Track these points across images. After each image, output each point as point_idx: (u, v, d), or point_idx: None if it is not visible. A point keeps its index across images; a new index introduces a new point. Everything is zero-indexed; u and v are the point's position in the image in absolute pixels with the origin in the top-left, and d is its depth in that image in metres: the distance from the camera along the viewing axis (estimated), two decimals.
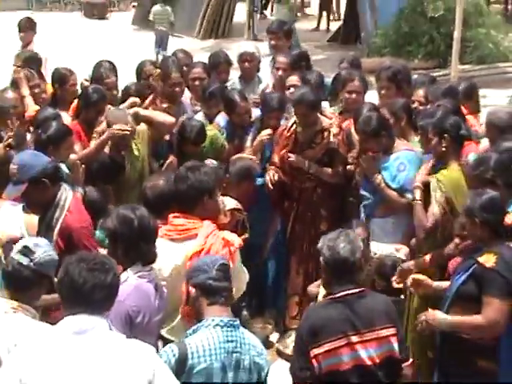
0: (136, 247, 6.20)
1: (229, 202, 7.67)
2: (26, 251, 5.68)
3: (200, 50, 17.82)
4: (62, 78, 10.81)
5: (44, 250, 5.78)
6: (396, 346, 5.80)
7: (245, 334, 5.68)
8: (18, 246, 5.72)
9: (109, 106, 9.79)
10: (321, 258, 6.00)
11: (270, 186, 9.51)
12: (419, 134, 8.82)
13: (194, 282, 5.61)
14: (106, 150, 9.07)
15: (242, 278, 6.97)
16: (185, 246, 6.57)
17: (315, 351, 5.69)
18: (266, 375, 5.73)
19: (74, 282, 4.94)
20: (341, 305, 5.76)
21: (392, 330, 5.80)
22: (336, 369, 5.69)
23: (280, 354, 9.41)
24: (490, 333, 6.56)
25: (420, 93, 10.23)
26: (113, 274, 5.10)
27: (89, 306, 4.95)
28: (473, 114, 10.22)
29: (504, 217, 6.81)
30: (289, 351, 9.22)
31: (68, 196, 7.17)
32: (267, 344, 9.10)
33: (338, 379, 5.71)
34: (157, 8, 25.67)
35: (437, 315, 6.75)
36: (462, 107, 9.66)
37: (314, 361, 5.70)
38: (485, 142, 9.02)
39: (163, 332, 6.46)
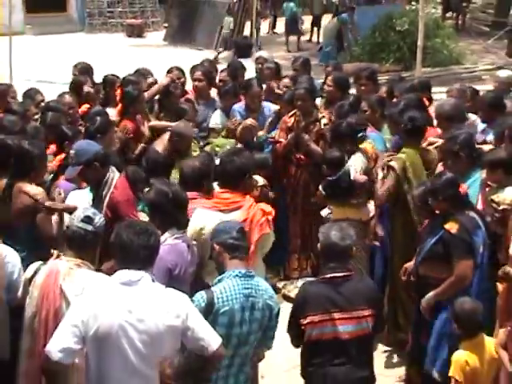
0: (171, 215, 6.20)
1: (259, 180, 7.65)
2: (88, 219, 5.68)
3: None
4: (110, 82, 10.90)
5: (99, 216, 5.81)
6: (370, 325, 5.74)
7: (259, 282, 5.66)
8: (80, 216, 5.71)
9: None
10: (319, 245, 5.93)
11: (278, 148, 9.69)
12: (387, 120, 8.98)
13: (219, 240, 5.62)
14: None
15: (271, 239, 6.97)
16: (232, 216, 6.52)
17: (302, 321, 5.68)
18: (277, 313, 5.71)
19: (123, 244, 5.04)
20: (328, 285, 5.73)
21: (369, 311, 5.72)
22: (320, 338, 5.66)
23: (285, 297, 9.39)
24: (461, 286, 6.65)
25: (383, 89, 10.61)
26: (154, 237, 5.21)
27: (135, 263, 5.03)
28: None
29: (459, 191, 6.81)
30: (292, 295, 9.26)
31: (115, 176, 7.14)
32: (275, 290, 9.10)
33: (321, 346, 5.69)
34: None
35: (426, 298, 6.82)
36: None
37: (303, 328, 5.69)
38: None
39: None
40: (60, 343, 4.86)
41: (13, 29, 17.53)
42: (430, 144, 8.40)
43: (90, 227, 5.66)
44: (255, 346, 5.76)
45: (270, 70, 11.65)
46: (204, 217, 6.57)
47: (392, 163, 8.06)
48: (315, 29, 29.16)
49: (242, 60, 13.63)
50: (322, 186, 8.56)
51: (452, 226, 6.75)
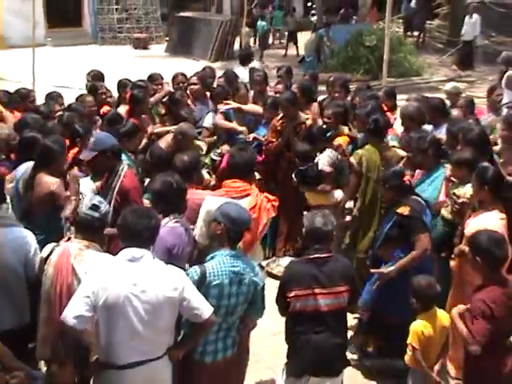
0: (173, 202, 6.17)
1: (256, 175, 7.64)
2: (95, 207, 5.66)
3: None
4: (123, 85, 10.97)
5: (105, 204, 5.81)
6: (346, 299, 5.74)
7: (247, 260, 5.69)
8: (87, 204, 5.70)
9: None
10: (303, 229, 5.91)
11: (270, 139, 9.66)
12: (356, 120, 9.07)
13: (229, 226, 5.57)
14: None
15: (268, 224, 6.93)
16: (243, 201, 6.52)
17: (288, 294, 5.67)
18: (262, 288, 5.72)
19: (128, 225, 5.08)
20: (312, 264, 5.71)
21: (346, 287, 5.71)
22: (303, 309, 5.66)
23: (268, 273, 9.34)
24: (422, 258, 6.71)
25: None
26: (155, 220, 5.24)
27: (138, 242, 5.05)
28: (391, 111, 10.33)
29: (403, 181, 6.99)
30: (274, 272, 9.45)
31: (124, 168, 7.15)
32: (260, 267, 9.11)
33: (303, 317, 5.69)
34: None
35: (390, 269, 6.83)
36: (385, 106, 9.95)
37: (289, 301, 5.68)
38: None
39: None
40: (74, 311, 4.90)
41: (36, 41, 17.45)
42: None
43: (96, 214, 5.66)
44: (245, 315, 5.78)
45: (260, 77, 11.59)
46: (214, 202, 6.45)
47: (351, 159, 8.25)
48: (291, 43, 28.89)
49: (244, 67, 14.06)
50: (294, 174, 8.57)
51: (404, 210, 6.86)
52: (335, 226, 5.95)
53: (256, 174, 7.85)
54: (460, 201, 7.07)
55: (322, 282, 5.64)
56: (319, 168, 8.53)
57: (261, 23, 25.99)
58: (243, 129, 10.18)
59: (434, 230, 7.26)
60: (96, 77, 11.76)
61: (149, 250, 5.14)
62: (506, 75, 12.78)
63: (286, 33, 29.08)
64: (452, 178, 7.39)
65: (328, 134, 9.02)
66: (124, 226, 5.17)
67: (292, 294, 5.65)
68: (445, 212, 7.29)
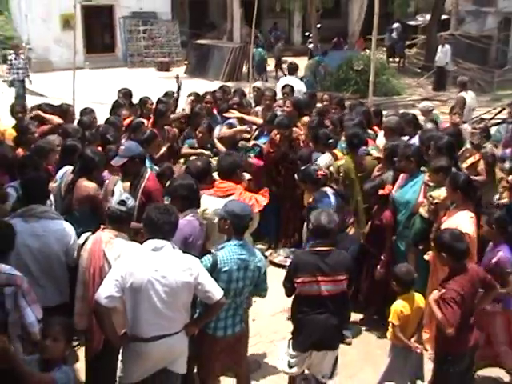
0: (189, 200, 6.18)
1: (246, 175, 7.58)
2: (123, 202, 5.68)
3: None
4: (143, 101, 10.97)
5: (131, 200, 5.82)
6: (345, 286, 5.72)
7: (252, 249, 5.69)
8: (116, 200, 5.72)
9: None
10: (310, 225, 5.88)
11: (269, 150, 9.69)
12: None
13: (234, 221, 5.58)
14: None
15: (257, 219, 6.86)
16: (227, 200, 6.39)
17: (295, 280, 5.63)
18: (264, 272, 5.71)
19: (151, 220, 5.08)
20: (316, 255, 5.68)
21: (345, 276, 5.67)
22: (308, 293, 5.63)
23: (270, 262, 9.34)
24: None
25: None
26: (174, 215, 5.23)
27: (160, 234, 5.06)
28: (378, 126, 10.31)
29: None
30: (276, 260, 9.41)
31: (148, 172, 7.17)
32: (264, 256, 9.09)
33: (307, 300, 5.67)
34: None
35: None
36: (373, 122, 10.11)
37: (296, 285, 5.65)
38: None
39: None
40: (106, 292, 4.92)
41: (76, 65, 17.48)
42: None
43: (124, 208, 5.68)
44: (249, 295, 5.81)
45: (270, 95, 11.55)
46: (207, 202, 6.52)
47: (331, 169, 8.22)
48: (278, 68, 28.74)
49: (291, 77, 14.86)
50: (296, 174, 8.52)
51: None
52: (337, 222, 5.91)
53: (247, 175, 7.74)
54: (435, 202, 7.10)
55: (324, 271, 5.61)
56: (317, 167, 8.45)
57: (257, 50, 25.95)
58: (245, 128, 10.26)
59: (413, 226, 7.31)
60: (126, 94, 11.81)
61: (169, 242, 5.15)
62: (462, 96, 12.88)
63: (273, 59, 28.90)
64: (429, 182, 7.40)
65: (330, 141, 8.96)
66: (148, 220, 5.17)
67: (299, 280, 5.63)
68: (422, 211, 7.28)
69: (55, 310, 5.51)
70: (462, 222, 6.55)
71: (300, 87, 14.36)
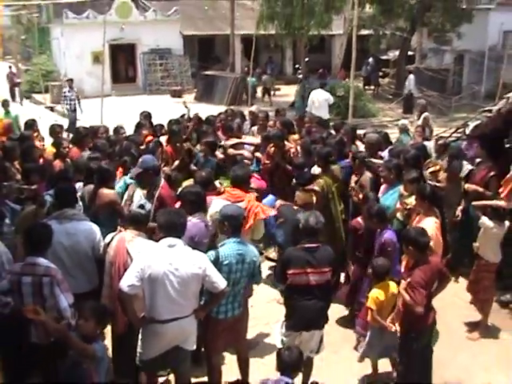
0: (196, 204, 6.16)
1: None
2: (141, 207, 5.71)
3: None
4: (160, 127, 11.16)
5: (148, 204, 5.84)
6: (329, 276, 5.67)
7: (248, 246, 5.66)
8: (137, 205, 5.74)
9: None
10: (300, 225, 5.79)
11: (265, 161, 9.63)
12: None
13: (230, 222, 5.58)
14: None
15: (262, 228, 6.99)
16: (238, 205, 6.34)
17: (287, 271, 5.59)
18: (259, 265, 5.70)
19: (167, 221, 5.06)
20: (305, 251, 5.62)
21: (329, 269, 5.63)
22: (298, 283, 5.58)
23: (266, 257, 9.30)
24: None
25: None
26: (184, 218, 5.24)
27: (173, 233, 5.05)
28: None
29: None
30: (270, 256, 9.29)
31: (161, 181, 7.14)
32: (260, 252, 9.05)
33: (298, 288, 5.61)
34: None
35: None
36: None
37: (287, 276, 5.61)
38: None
39: None
40: (128, 281, 4.93)
41: (103, 93, 17.58)
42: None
43: (143, 211, 5.71)
44: (246, 284, 5.77)
45: (264, 116, 11.65)
46: (219, 204, 6.45)
47: (315, 187, 7.98)
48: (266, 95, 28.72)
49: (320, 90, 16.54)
50: (294, 179, 8.44)
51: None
52: (323, 223, 5.84)
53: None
54: (408, 207, 7.16)
55: (312, 264, 5.57)
56: (312, 173, 8.43)
57: (251, 79, 25.93)
58: (247, 154, 10.22)
59: (392, 227, 7.14)
60: (146, 116, 11.91)
61: (181, 239, 5.15)
62: (422, 117, 12.91)
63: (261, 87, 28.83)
64: (403, 192, 7.40)
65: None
66: (164, 221, 5.17)
67: (291, 272, 5.58)
68: (399, 215, 7.32)
69: (85, 296, 5.55)
70: (428, 226, 6.53)
71: (327, 97, 16.21)
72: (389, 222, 6.93)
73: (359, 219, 7.04)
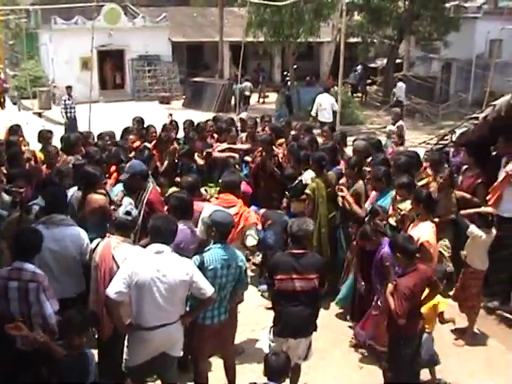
0: (180, 209, 6.13)
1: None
2: (128, 213, 5.65)
3: None
4: (148, 128, 11.00)
5: (135, 211, 5.80)
6: (317, 283, 5.63)
7: (234, 251, 5.65)
8: (123, 211, 5.68)
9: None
10: (288, 231, 5.81)
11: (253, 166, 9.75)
12: None
13: (218, 228, 5.60)
14: None
15: (253, 230, 6.86)
16: (230, 210, 6.40)
17: (274, 277, 5.59)
18: (245, 270, 5.70)
19: (156, 228, 5.05)
20: (292, 257, 5.63)
21: (316, 275, 5.61)
22: (284, 289, 5.58)
23: (254, 264, 9.32)
24: None
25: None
26: (175, 225, 5.23)
27: (162, 239, 5.03)
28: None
29: None
30: (256, 262, 9.34)
31: (150, 186, 7.15)
32: (247, 258, 9.05)
33: (285, 294, 5.61)
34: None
35: None
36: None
37: (275, 282, 5.61)
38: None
39: None
40: (115, 288, 4.90)
41: (91, 99, 17.53)
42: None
43: (129, 217, 5.63)
44: (234, 291, 5.75)
45: (252, 123, 11.60)
46: (211, 210, 6.46)
47: (306, 191, 8.12)
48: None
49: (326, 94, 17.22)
50: (286, 191, 8.54)
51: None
52: (312, 230, 5.84)
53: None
54: (402, 213, 7.13)
55: (298, 270, 5.56)
56: (303, 182, 8.42)
57: (238, 86, 25.97)
58: (235, 155, 10.27)
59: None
60: (139, 121, 11.87)
61: (169, 247, 5.13)
62: (396, 125, 12.99)
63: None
64: (397, 197, 7.39)
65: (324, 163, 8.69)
66: (154, 228, 5.16)
67: (278, 277, 5.58)
68: (391, 220, 7.26)
69: (72, 301, 5.58)
70: (424, 231, 6.59)
71: (332, 101, 16.89)
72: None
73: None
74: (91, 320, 5.13)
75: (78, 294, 5.88)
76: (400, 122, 13.26)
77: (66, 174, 7.65)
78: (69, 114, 18.99)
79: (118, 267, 5.28)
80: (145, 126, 11.55)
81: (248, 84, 27.13)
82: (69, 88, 19.52)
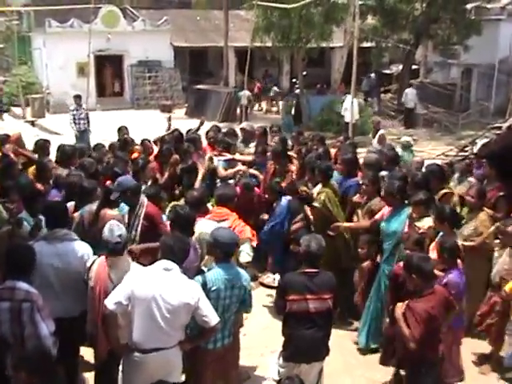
0: (185, 228, 6.10)
1: None
2: (116, 234, 5.68)
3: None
4: (143, 144, 11.25)
5: (121, 228, 5.81)
6: (331, 303, 5.65)
7: (237, 270, 5.69)
8: (108, 235, 5.69)
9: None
10: (301, 249, 5.80)
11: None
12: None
13: (223, 249, 5.60)
14: None
15: (248, 245, 6.86)
16: (223, 224, 6.47)
17: (286, 297, 5.59)
18: (250, 292, 5.72)
19: (169, 246, 5.19)
20: (305, 276, 5.63)
21: (330, 295, 5.62)
22: (297, 310, 5.57)
23: (261, 283, 9.33)
24: None
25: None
26: (188, 245, 5.30)
27: (173, 258, 5.10)
28: None
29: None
30: (264, 282, 9.35)
31: (145, 199, 7.16)
32: (254, 278, 9.06)
33: (297, 316, 5.61)
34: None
35: None
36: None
37: (287, 303, 5.61)
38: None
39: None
40: (115, 298, 4.98)
41: (88, 107, 17.64)
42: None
43: (118, 239, 5.63)
44: (237, 311, 5.77)
45: (261, 131, 11.83)
46: (204, 225, 6.53)
47: (316, 204, 8.19)
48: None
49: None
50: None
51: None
52: (324, 248, 5.81)
53: None
54: (420, 231, 6.97)
55: (311, 290, 5.57)
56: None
57: (238, 94, 25.99)
58: (243, 169, 10.27)
59: (401, 254, 7.01)
60: (122, 130, 12.24)
61: (179, 267, 5.15)
62: (377, 134, 13.02)
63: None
64: (413, 215, 7.24)
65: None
66: (165, 245, 5.19)
67: (290, 298, 5.58)
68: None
69: (73, 321, 5.64)
70: None
71: (355, 105, 17.37)
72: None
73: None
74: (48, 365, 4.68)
75: (80, 314, 5.85)
76: (381, 131, 13.28)
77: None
78: (77, 126, 17.69)
79: (114, 286, 5.28)
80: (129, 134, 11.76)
81: (247, 92, 27.29)
82: (77, 98, 18.17)
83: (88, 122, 17.80)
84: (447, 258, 6.32)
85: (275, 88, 30.91)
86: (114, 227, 5.72)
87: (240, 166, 10.29)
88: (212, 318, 5.11)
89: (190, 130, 12.38)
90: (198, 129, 12.40)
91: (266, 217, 8.82)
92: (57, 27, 30.05)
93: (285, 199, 8.55)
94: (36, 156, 9.96)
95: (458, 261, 6.40)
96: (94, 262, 5.78)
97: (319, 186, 8.49)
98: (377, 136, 13.05)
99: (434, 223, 6.92)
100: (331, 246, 7.87)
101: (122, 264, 5.63)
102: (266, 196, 9.25)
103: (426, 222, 7.03)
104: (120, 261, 5.67)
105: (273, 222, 8.51)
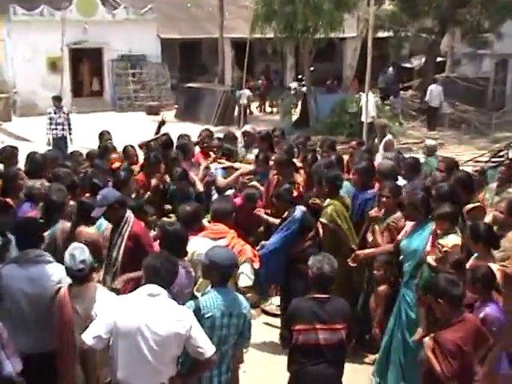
0: (176, 248, 6.11)
1: None
2: (79, 261, 5.63)
3: (215, 132, 17.58)
4: (126, 150, 11.31)
5: (85, 251, 5.71)
6: (344, 335, 5.67)
7: (235, 296, 5.68)
8: (70, 261, 5.66)
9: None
10: (310, 271, 5.83)
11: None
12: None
13: (223, 271, 5.61)
14: None
15: (248, 266, 6.95)
16: (219, 242, 6.52)
17: (292, 327, 5.63)
18: (249, 319, 5.70)
19: (153, 267, 5.13)
20: (314, 303, 5.67)
21: (343, 325, 5.66)
22: (305, 342, 5.60)
23: (262, 311, 9.37)
24: None
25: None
26: (176, 266, 5.33)
27: (160, 281, 5.10)
28: None
29: None
30: (266, 308, 9.41)
31: (131, 215, 7.14)
32: (255, 305, 9.08)
33: (305, 349, 5.64)
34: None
35: None
36: None
37: (294, 333, 5.63)
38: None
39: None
40: (93, 332, 4.98)
41: None
42: None
43: (82, 266, 5.55)
44: (235, 345, 5.72)
45: (261, 136, 11.89)
46: (197, 244, 6.57)
47: (322, 220, 8.21)
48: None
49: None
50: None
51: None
52: (337, 270, 5.85)
53: None
54: (444, 249, 6.91)
55: (322, 319, 5.60)
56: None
57: (238, 93, 26.14)
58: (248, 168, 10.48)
59: (422, 275, 7.08)
60: (102, 134, 12.37)
61: (166, 291, 5.16)
62: (383, 140, 13.05)
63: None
64: (437, 231, 7.16)
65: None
66: (150, 266, 5.18)
67: (297, 327, 5.62)
68: (430, 259, 7.05)
69: (43, 357, 5.63)
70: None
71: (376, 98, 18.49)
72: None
73: None
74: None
75: (52, 350, 5.74)
76: (388, 137, 13.31)
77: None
78: (54, 132, 17.56)
79: (81, 317, 5.33)
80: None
81: (247, 92, 27.41)
82: (57, 99, 18.09)
83: (69, 127, 17.75)
84: (481, 289, 6.12)
85: (294, 84, 30.90)
86: (75, 252, 5.62)
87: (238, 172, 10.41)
88: (207, 348, 5.09)
89: (164, 134, 12.36)
90: (157, 131, 12.27)
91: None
92: (23, 15, 29.77)
93: (299, 210, 8.34)
94: (1, 166, 10.00)
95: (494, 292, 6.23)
96: (58, 291, 5.68)
97: (328, 200, 8.47)
98: (383, 142, 13.05)
99: (467, 242, 6.82)
100: (342, 266, 7.95)
101: (88, 293, 5.60)
102: (268, 211, 9.25)
103: (451, 240, 6.94)
104: (86, 289, 5.63)
105: (284, 233, 8.31)
